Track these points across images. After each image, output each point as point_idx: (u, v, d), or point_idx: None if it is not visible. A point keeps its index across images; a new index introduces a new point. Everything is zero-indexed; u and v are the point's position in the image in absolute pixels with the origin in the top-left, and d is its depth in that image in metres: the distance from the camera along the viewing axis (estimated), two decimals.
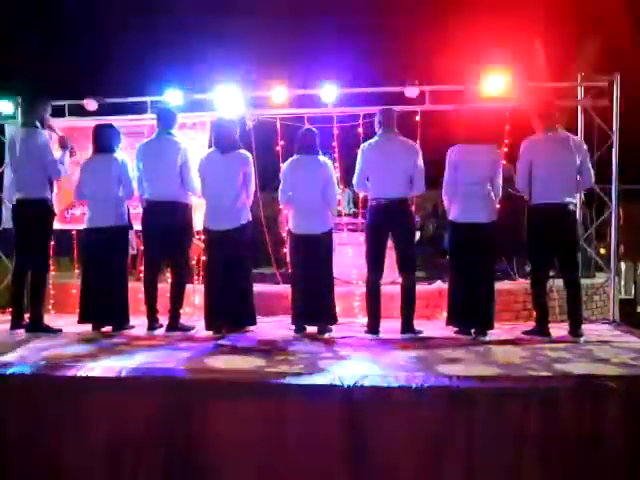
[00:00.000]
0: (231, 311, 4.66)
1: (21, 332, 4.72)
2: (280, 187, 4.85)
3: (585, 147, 4.57)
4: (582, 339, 4.38)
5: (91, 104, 5.87)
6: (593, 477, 3.04)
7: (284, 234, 5.08)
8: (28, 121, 4.87)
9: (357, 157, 4.74)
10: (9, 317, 4.92)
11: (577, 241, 4.64)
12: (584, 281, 5.50)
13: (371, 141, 4.74)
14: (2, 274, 6.13)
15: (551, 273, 4.84)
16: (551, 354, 3.88)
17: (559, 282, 4.92)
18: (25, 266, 4.86)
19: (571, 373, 3.34)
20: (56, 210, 5.09)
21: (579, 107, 5.65)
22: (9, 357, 3.76)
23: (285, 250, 5.00)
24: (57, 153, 4.90)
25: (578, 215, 4.91)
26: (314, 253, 4.68)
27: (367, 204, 4.80)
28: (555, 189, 4.42)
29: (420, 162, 4.64)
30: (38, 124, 4.86)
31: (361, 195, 5.14)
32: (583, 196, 5.50)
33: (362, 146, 4.74)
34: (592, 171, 4.56)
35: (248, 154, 4.79)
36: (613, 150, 5.35)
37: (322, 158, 4.78)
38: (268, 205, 6.62)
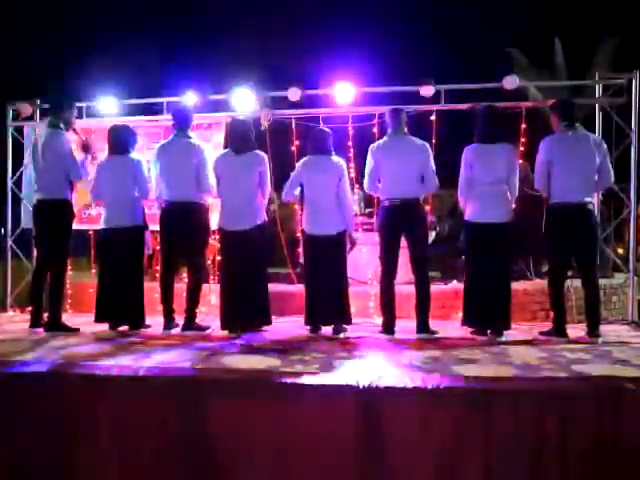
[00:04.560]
0: (246, 311, 4.67)
1: (40, 331, 4.78)
2: (287, 183, 4.86)
3: (605, 146, 4.51)
4: (600, 340, 4.33)
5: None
6: (611, 479, 3.00)
7: (298, 234, 5.09)
8: (52, 122, 4.92)
9: (367, 158, 4.74)
10: (28, 316, 4.98)
11: (596, 241, 4.59)
12: (602, 281, 5.43)
13: (380, 142, 4.74)
14: (22, 274, 6.22)
15: (569, 273, 4.79)
16: (569, 355, 3.83)
17: (577, 282, 4.87)
18: (44, 266, 4.92)
19: (589, 374, 3.30)
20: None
21: (597, 105, 5.59)
22: (27, 356, 3.80)
23: (300, 250, 5.01)
24: (79, 156, 4.94)
25: (596, 214, 4.86)
26: (328, 253, 4.68)
27: (379, 204, 4.79)
28: (574, 188, 4.37)
29: (431, 160, 4.64)
30: (62, 126, 4.91)
31: (374, 195, 5.13)
32: (601, 195, 5.44)
33: (371, 147, 4.73)
34: (612, 170, 4.51)
35: (263, 154, 4.80)
36: (632, 149, 5.29)
37: (335, 158, 4.78)
38: (283, 205, 6.63)
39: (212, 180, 4.80)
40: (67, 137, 4.91)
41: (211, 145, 5.65)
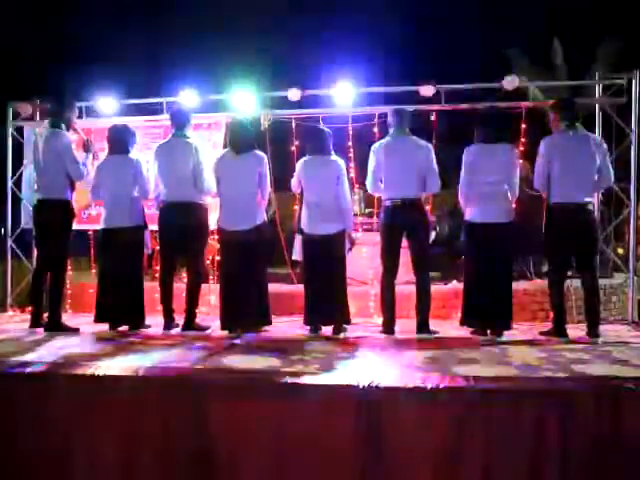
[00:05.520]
0: (246, 311, 4.67)
1: (40, 331, 4.78)
2: (293, 180, 4.89)
3: (605, 146, 4.51)
4: (600, 340, 4.33)
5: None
6: (611, 479, 3.00)
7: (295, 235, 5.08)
8: (53, 122, 4.92)
9: (369, 158, 4.74)
10: (28, 316, 4.98)
11: (596, 241, 4.59)
12: (602, 281, 5.43)
13: (382, 142, 4.73)
14: (22, 274, 6.22)
15: (569, 273, 4.79)
16: (569, 355, 3.83)
17: (577, 282, 4.87)
18: (44, 266, 4.92)
19: (589, 374, 3.30)
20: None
21: (597, 105, 5.59)
22: (27, 356, 3.80)
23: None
24: (80, 156, 4.94)
25: (596, 214, 4.86)
26: (327, 253, 4.68)
27: (381, 204, 4.80)
28: (574, 188, 4.37)
29: (433, 161, 4.64)
30: (63, 125, 4.91)
31: (376, 195, 5.13)
32: (601, 195, 5.44)
33: (373, 147, 4.73)
34: (612, 170, 4.50)
35: (263, 154, 4.80)
36: (632, 149, 5.28)
37: (334, 158, 4.78)
38: (282, 205, 6.63)
39: (210, 180, 4.79)
40: (68, 137, 4.91)
41: (210, 145, 5.65)
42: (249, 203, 4.70)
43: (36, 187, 4.98)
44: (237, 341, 4.39)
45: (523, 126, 5.52)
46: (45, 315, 4.88)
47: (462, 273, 4.80)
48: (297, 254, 4.91)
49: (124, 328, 4.86)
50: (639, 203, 5.51)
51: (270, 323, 4.79)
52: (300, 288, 4.96)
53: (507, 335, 4.47)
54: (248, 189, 4.70)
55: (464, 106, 5.42)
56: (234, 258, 4.69)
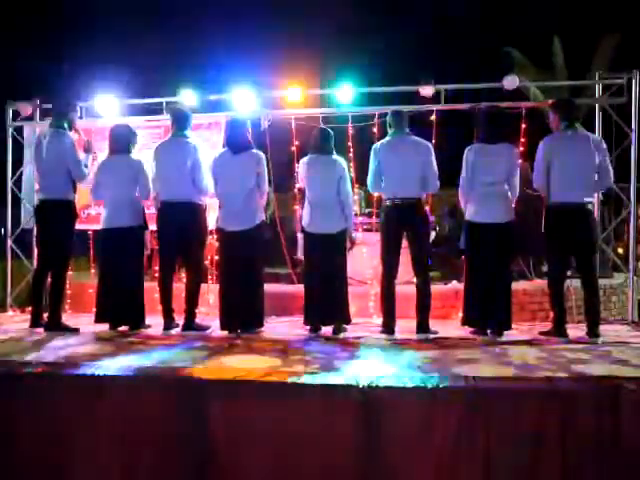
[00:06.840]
0: (244, 311, 4.66)
1: (40, 331, 4.78)
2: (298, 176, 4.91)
3: (605, 146, 4.51)
4: (600, 340, 4.33)
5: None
6: (611, 479, 3.01)
7: (298, 234, 5.08)
8: (56, 122, 4.92)
9: (370, 158, 4.74)
10: (29, 316, 4.98)
11: (595, 241, 4.59)
12: (602, 281, 5.43)
13: (383, 141, 4.74)
14: (22, 274, 6.22)
15: (568, 273, 4.79)
16: (569, 355, 3.84)
17: (577, 282, 4.87)
18: (46, 266, 4.92)
19: (589, 374, 3.31)
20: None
21: (597, 105, 5.59)
22: (27, 356, 3.80)
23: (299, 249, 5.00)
24: (80, 156, 4.94)
25: (596, 214, 4.86)
26: (329, 252, 4.68)
27: (381, 204, 4.80)
28: (573, 188, 4.37)
29: (433, 161, 4.64)
30: (65, 126, 4.92)
31: (375, 195, 5.14)
32: (601, 195, 5.44)
33: (374, 146, 4.74)
34: (612, 171, 4.50)
35: (261, 154, 4.80)
36: (632, 148, 5.28)
37: (336, 157, 4.79)
38: (282, 205, 6.62)
39: (208, 180, 4.79)
40: (71, 137, 4.92)
41: (209, 144, 5.65)
42: (247, 203, 4.70)
43: (37, 187, 4.97)
44: (237, 341, 4.39)
45: (523, 126, 5.52)
46: (45, 315, 4.88)
47: (462, 273, 4.80)
48: (300, 252, 4.91)
49: (124, 328, 4.85)
50: (639, 203, 5.51)
51: (261, 325, 4.75)
52: (300, 288, 4.96)
53: (507, 335, 4.47)
54: (246, 189, 4.69)
55: (464, 106, 5.42)
56: (233, 258, 4.69)
